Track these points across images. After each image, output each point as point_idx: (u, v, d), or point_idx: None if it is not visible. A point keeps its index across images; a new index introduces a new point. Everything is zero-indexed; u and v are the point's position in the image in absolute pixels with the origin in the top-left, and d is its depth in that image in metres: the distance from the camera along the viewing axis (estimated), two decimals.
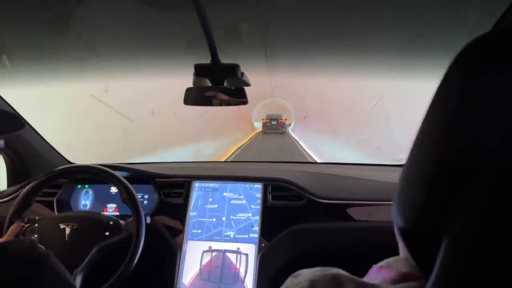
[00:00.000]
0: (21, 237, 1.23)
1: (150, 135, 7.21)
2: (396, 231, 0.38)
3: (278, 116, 20.87)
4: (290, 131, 21.21)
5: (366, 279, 0.45)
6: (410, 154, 0.37)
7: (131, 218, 1.30)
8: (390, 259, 0.46)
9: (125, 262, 1.22)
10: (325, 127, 12.63)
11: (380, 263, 0.48)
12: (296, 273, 0.50)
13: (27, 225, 1.27)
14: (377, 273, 0.46)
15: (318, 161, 8.80)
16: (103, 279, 1.20)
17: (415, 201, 0.34)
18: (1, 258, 0.63)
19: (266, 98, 21.51)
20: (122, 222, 1.30)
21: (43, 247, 0.71)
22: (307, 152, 12.01)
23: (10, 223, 1.25)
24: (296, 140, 16.48)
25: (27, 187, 1.33)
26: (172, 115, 8.05)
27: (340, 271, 0.46)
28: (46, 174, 1.37)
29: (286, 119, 21.32)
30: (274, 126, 20.52)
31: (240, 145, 13.99)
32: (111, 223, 1.29)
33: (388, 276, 0.42)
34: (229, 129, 14.68)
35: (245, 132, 18.40)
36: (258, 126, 22.53)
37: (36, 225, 1.26)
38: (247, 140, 15.27)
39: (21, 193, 1.32)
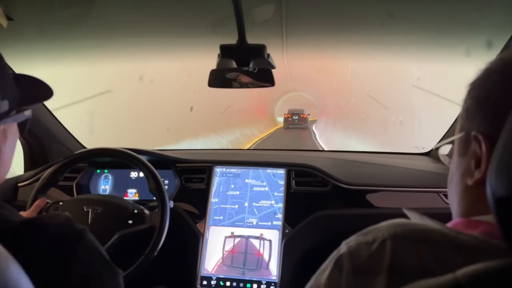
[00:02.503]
0: (44, 213, 1.22)
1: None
2: (492, 203, 0.35)
3: (300, 111, 20.60)
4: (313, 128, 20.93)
5: (455, 230, 0.41)
6: None
7: (156, 210, 1.27)
8: (490, 216, 0.40)
9: (145, 254, 1.19)
10: (346, 122, 12.55)
11: (476, 217, 0.44)
12: (363, 231, 0.45)
13: (51, 202, 1.26)
14: (469, 227, 0.42)
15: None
16: (122, 266, 1.18)
17: None
18: (38, 232, 0.61)
19: (289, 92, 21.36)
20: (146, 212, 1.27)
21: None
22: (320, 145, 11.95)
23: (35, 199, 1.24)
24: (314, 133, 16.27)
25: (55, 165, 1.31)
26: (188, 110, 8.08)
27: (426, 226, 0.41)
28: (79, 153, 1.36)
29: (308, 114, 21.07)
30: (296, 121, 20.25)
31: (256, 140, 13.93)
32: (135, 211, 1.26)
33: (498, 232, 0.37)
34: (250, 123, 14.68)
35: (265, 127, 18.28)
36: (281, 121, 22.40)
37: (61, 203, 1.25)
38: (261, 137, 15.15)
39: (49, 170, 1.31)
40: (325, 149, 11.94)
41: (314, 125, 21.46)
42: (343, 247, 0.45)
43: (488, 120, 0.45)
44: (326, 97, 16.62)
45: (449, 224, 0.47)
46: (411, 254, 0.39)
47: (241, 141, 12.84)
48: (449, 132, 1.65)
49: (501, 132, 0.37)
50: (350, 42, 2.09)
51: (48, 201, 1.26)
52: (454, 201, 0.52)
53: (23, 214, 1.17)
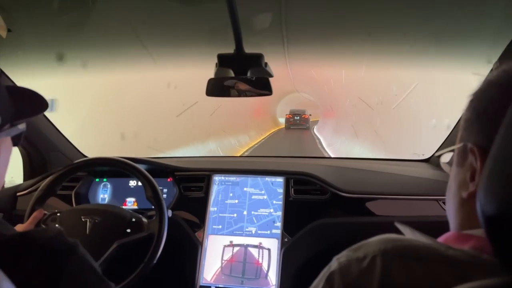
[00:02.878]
0: (42, 225, 1.22)
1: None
2: (481, 220, 0.34)
3: (301, 111, 20.61)
4: (315, 128, 20.90)
5: (445, 245, 0.41)
6: (504, 133, 0.33)
7: (154, 218, 1.26)
8: (480, 230, 0.41)
9: (144, 262, 1.19)
10: (347, 124, 12.54)
11: (467, 231, 0.44)
12: (354, 247, 0.45)
13: (49, 213, 1.25)
14: (460, 241, 0.42)
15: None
16: (121, 276, 1.17)
17: None
18: (29, 246, 0.60)
19: (290, 93, 21.36)
20: (144, 220, 1.27)
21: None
22: (325, 150, 11.93)
23: (32, 210, 1.24)
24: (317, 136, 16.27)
25: (53, 175, 1.31)
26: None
27: (417, 242, 0.41)
28: (76, 163, 1.36)
29: (310, 115, 21.06)
30: (298, 122, 20.25)
31: (255, 142, 13.94)
32: (133, 220, 1.26)
33: (487, 247, 0.37)
34: (250, 125, 14.71)
35: (266, 128, 18.29)
36: (282, 121, 22.39)
37: (58, 214, 1.24)
38: (261, 138, 15.17)
39: (46, 181, 1.30)
40: (327, 151, 11.98)
41: (316, 126, 21.40)
42: (334, 264, 0.45)
43: (484, 133, 0.45)
44: (327, 98, 16.66)
45: (441, 238, 0.46)
46: (402, 271, 0.39)
47: (246, 140, 12.91)
48: (449, 139, 1.65)
49: None
50: (347, 48, 2.11)
51: (46, 212, 1.26)
52: (451, 212, 0.51)
53: (21, 226, 1.17)
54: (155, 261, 1.20)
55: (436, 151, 1.79)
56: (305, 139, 15.97)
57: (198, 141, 8.86)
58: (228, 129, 11.51)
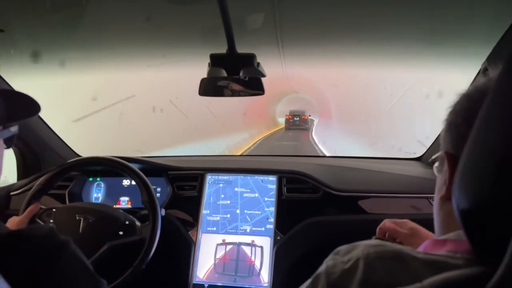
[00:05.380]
0: (37, 219, 1.23)
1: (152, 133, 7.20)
2: (458, 215, 0.36)
3: (301, 112, 20.63)
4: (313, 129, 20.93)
5: (423, 252, 0.43)
6: (478, 131, 0.35)
7: (147, 223, 1.27)
8: (453, 233, 0.45)
9: (133, 266, 1.19)
10: (344, 124, 12.59)
11: (442, 237, 0.46)
12: (337, 250, 0.48)
13: (45, 208, 1.26)
14: (437, 247, 0.44)
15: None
16: (110, 277, 1.18)
17: (486, 177, 0.32)
18: (20, 244, 0.61)
19: (289, 94, 21.36)
20: (138, 224, 1.28)
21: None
22: (319, 149, 11.96)
23: (29, 204, 1.24)
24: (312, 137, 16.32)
25: (49, 172, 1.32)
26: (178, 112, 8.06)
27: (398, 247, 0.44)
28: (72, 161, 1.36)
29: (309, 115, 21.08)
30: (297, 122, 20.28)
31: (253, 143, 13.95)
32: (127, 222, 1.26)
33: (462, 248, 0.40)
34: (248, 125, 14.71)
35: (265, 128, 18.29)
36: (282, 121, 22.41)
37: (54, 210, 1.25)
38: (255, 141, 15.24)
39: (44, 176, 1.31)
40: (323, 150, 12.01)
41: (313, 127, 21.46)
42: (322, 266, 0.48)
43: (454, 142, 0.48)
44: (326, 99, 16.71)
45: (421, 247, 0.49)
46: (382, 269, 0.41)
47: (246, 140, 12.93)
48: (436, 142, 1.69)
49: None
50: (344, 47, 2.12)
51: (42, 206, 1.27)
52: (434, 213, 0.55)
53: (16, 219, 1.19)
54: (144, 266, 1.20)
55: (427, 150, 1.81)
56: (303, 140, 16.01)
57: (193, 142, 8.86)
58: (226, 130, 11.50)
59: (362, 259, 0.44)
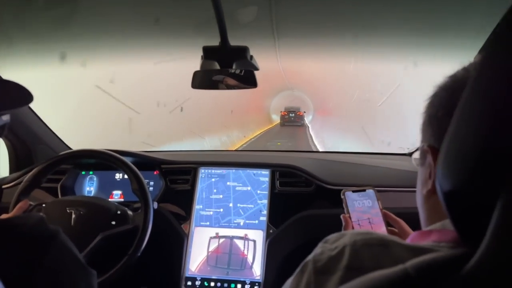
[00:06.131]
0: None
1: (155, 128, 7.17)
2: (441, 197, 0.37)
3: (296, 108, 20.68)
4: (308, 124, 20.98)
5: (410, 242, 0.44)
6: (460, 111, 0.35)
7: (139, 211, 1.27)
8: (438, 224, 0.46)
9: (128, 254, 1.19)
10: (337, 121, 12.60)
11: (427, 228, 0.47)
12: (326, 238, 0.49)
13: (34, 203, 1.26)
14: (422, 238, 0.45)
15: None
16: (105, 267, 1.18)
17: (467, 159, 0.32)
18: (10, 233, 0.61)
19: (284, 90, 21.37)
20: (130, 213, 1.28)
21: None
22: (315, 145, 11.99)
23: (17, 201, 1.23)
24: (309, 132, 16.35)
25: (38, 166, 1.31)
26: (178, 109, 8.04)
27: (384, 234, 0.44)
28: (62, 155, 1.35)
29: (304, 112, 21.13)
30: (293, 119, 20.31)
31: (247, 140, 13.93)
32: (118, 212, 1.26)
33: (447, 238, 0.40)
34: (243, 122, 14.69)
35: (260, 125, 18.29)
36: (276, 118, 22.46)
37: (44, 205, 1.25)
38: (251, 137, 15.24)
39: (32, 172, 1.30)
40: (317, 146, 12.04)
41: (309, 123, 21.52)
42: (311, 254, 0.49)
43: (436, 136, 0.48)
44: (321, 95, 16.72)
45: (408, 240, 0.49)
46: (367, 256, 0.42)
47: (239, 137, 12.93)
48: None
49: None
50: (339, 42, 2.12)
51: (31, 203, 1.26)
52: (419, 207, 0.55)
53: (5, 216, 1.17)
54: (139, 254, 1.20)
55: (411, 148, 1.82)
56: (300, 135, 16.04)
57: (188, 138, 8.84)
58: (219, 126, 11.48)
59: (348, 246, 0.44)
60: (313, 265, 0.46)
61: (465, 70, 0.48)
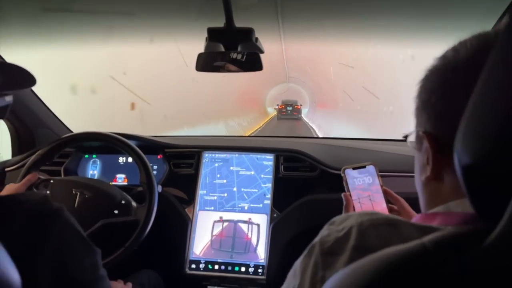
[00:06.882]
0: (34, 189, 1.22)
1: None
2: (459, 173, 0.36)
3: (294, 101, 20.71)
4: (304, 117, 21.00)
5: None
6: (482, 82, 0.34)
7: (143, 204, 1.25)
8: (442, 206, 0.45)
9: (124, 247, 1.18)
10: (336, 112, 12.56)
11: (431, 211, 0.47)
12: (333, 220, 0.49)
13: (43, 178, 1.26)
14: (428, 220, 0.45)
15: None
16: (101, 254, 1.18)
17: (488, 132, 0.31)
18: (14, 209, 0.61)
19: (282, 83, 21.33)
20: (134, 204, 1.27)
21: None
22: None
23: (27, 173, 1.23)
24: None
25: (51, 144, 1.31)
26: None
27: (391, 215, 0.44)
28: (72, 135, 1.36)
29: (301, 105, 21.13)
30: (290, 112, 20.34)
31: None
32: (123, 202, 1.25)
33: (452, 220, 0.40)
34: (239, 114, 14.65)
35: (256, 118, 18.26)
36: (271, 111, 22.46)
37: (52, 181, 1.24)
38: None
39: (46, 148, 1.30)
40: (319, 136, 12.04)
41: (306, 114, 21.52)
42: (318, 236, 0.49)
43: (431, 121, 0.47)
44: (322, 87, 16.65)
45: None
46: (375, 235, 0.43)
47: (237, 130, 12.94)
48: None
49: (444, 133, 0.41)
50: (344, 26, 2.09)
51: (40, 176, 1.26)
52: (418, 191, 0.54)
53: (13, 186, 1.16)
54: (135, 247, 1.19)
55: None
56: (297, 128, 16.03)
57: (184, 127, 8.81)
58: (214, 116, 11.42)
59: (355, 226, 0.45)
60: (320, 247, 0.47)
61: (455, 50, 0.46)
